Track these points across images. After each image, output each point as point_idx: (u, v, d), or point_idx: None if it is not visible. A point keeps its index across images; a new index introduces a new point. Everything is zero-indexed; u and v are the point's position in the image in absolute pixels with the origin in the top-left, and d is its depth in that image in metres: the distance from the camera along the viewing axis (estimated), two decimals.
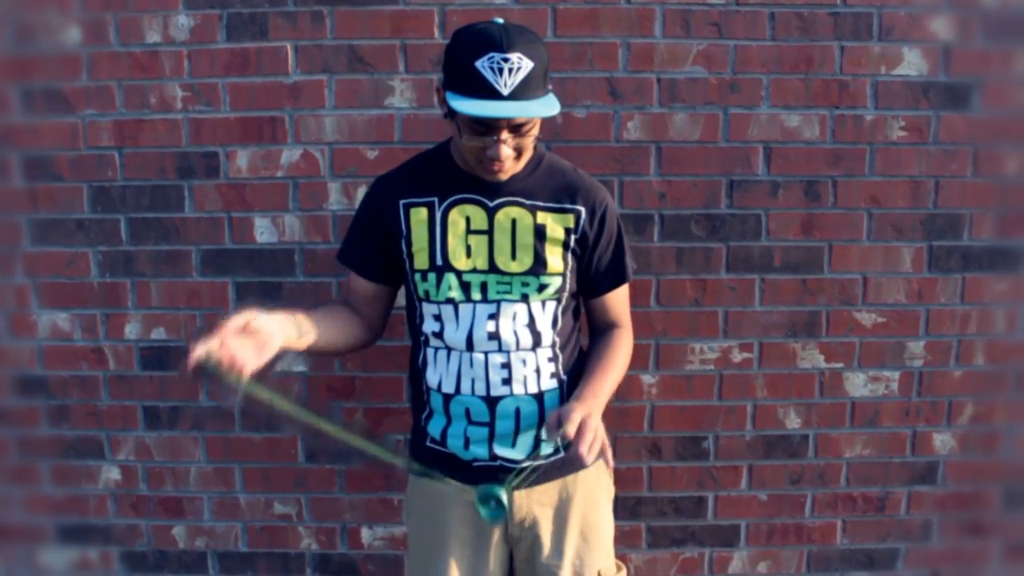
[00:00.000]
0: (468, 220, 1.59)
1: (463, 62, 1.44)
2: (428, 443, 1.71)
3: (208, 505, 2.28)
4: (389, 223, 1.62)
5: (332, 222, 2.13)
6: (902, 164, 2.11)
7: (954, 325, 2.19)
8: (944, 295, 2.18)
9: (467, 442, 1.64)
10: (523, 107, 1.43)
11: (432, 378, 1.66)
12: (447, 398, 1.64)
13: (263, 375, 1.43)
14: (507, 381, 1.61)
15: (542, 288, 1.61)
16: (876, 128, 2.10)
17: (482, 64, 1.42)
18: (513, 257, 1.59)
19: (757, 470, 2.25)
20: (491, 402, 1.61)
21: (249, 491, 2.27)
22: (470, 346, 1.60)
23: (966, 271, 2.17)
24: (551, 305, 1.63)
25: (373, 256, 1.67)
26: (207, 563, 2.31)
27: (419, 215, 1.61)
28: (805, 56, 2.06)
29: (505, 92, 1.42)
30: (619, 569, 1.77)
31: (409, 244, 1.61)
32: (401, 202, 1.62)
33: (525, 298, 1.61)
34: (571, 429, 1.44)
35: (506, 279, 1.60)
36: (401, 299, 1.75)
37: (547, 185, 1.62)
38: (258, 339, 1.47)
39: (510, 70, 1.42)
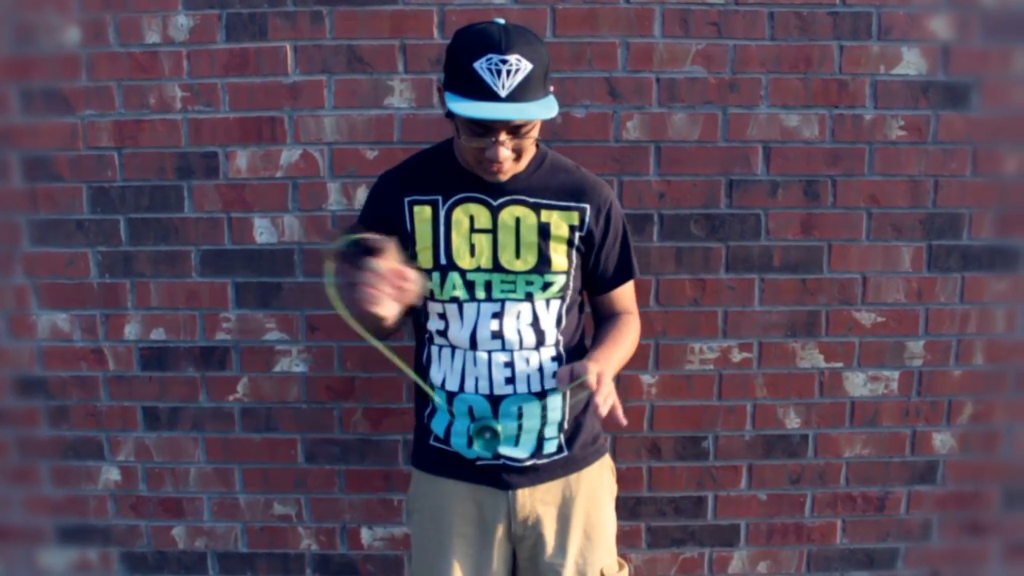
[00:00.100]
0: (472, 219, 1.60)
1: (462, 63, 1.44)
2: (431, 441, 1.71)
3: (208, 506, 2.28)
4: (395, 220, 1.63)
5: (331, 222, 2.13)
6: (901, 163, 2.11)
7: (953, 324, 2.19)
8: (943, 294, 2.18)
9: (470, 441, 1.65)
10: (520, 109, 1.44)
11: (436, 376, 1.66)
12: (450, 396, 1.64)
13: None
14: (510, 380, 1.61)
15: (546, 286, 1.62)
16: (875, 127, 2.10)
17: (480, 65, 1.42)
18: (517, 256, 1.60)
19: (757, 470, 2.25)
20: (494, 400, 1.62)
21: (249, 492, 2.27)
22: (474, 344, 1.61)
23: (965, 270, 2.17)
24: (555, 304, 1.64)
25: None
26: (207, 564, 2.31)
27: (423, 213, 1.61)
28: (804, 56, 2.06)
29: (503, 94, 1.42)
30: (621, 567, 1.78)
31: (413, 243, 1.62)
32: (406, 199, 1.62)
33: (529, 297, 1.61)
34: (592, 378, 1.44)
35: (510, 278, 1.60)
36: None
37: (551, 183, 1.63)
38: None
39: (508, 72, 1.42)
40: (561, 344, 1.66)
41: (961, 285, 2.17)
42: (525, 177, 1.61)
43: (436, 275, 1.61)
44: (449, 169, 1.62)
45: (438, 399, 1.65)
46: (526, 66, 1.43)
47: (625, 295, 1.77)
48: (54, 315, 2.19)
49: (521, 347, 1.61)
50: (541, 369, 1.63)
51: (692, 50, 2.06)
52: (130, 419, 2.23)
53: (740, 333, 2.18)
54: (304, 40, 2.05)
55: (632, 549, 2.26)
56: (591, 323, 1.79)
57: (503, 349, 1.61)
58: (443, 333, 1.64)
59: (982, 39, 2.07)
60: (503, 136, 1.48)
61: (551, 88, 1.52)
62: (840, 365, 2.20)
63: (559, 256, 1.62)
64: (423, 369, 1.70)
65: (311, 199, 2.12)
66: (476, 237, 1.60)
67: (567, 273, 1.63)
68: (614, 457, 1.87)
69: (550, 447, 1.68)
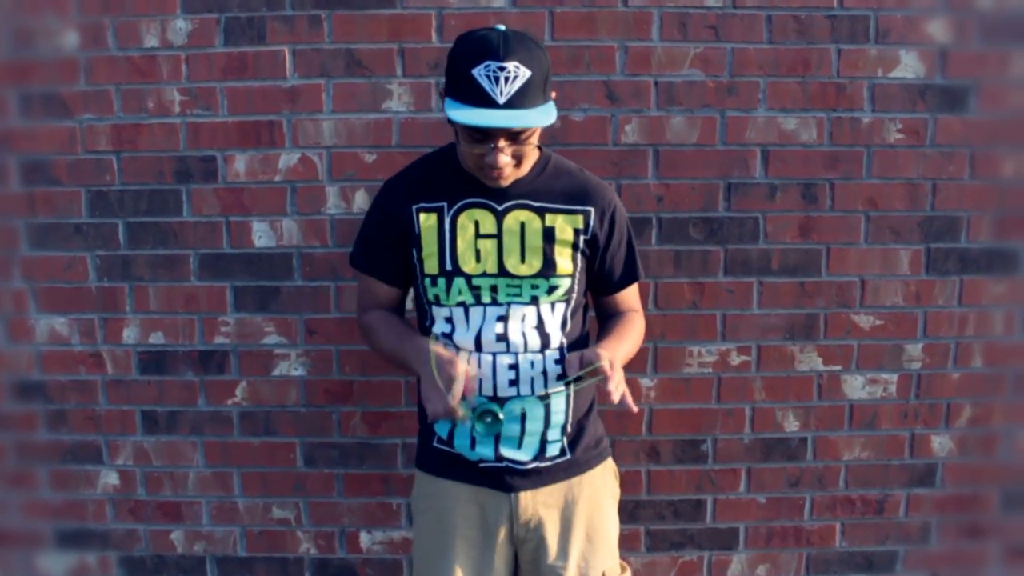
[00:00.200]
0: (477, 224, 1.60)
1: (461, 70, 1.45)
2: (435, 443, 1.72)
3: (207, 510, 2.27)
4: (403, 227, 1.64)
5: (330, 226, 2.13)
6: (899, 166, 2.12)
7: (952, 327, 2.19)
8: (942, 297, 2.18)
9: (473, 442, 1.65)
10: (517, 116, 1.44)
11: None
12: None
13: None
14: (514, 382, 1.62)
15: (552, 290, 1.62)
16: (873, 130, 2.10)
17: (479, 72, 1.43)
18: (523, 260, 1.60)
19: (756, 473, 2.25)
20: (498, 403, 1.62)
21: (248, 495, 2.26)
22: (478, 347, 1.61)
23: (964, 273, 2.17)
24: (560, 307, 1.64)
25: (392, 262, 1.68)
26: (206, 568, 2.31)
27: (429, 220, 1.62)
28: (802, 59, 2.07)
29: (501, 101, 1.42)
30: (624, 571, 1.78)
31: (419, 249, 1.63)
32: (413, 207, 1.63)
33: (535, 300, 1.62)
34: (604, 364, 1.45)
35: (516, 282, 1.61)
36: (409, 301, 1.77)
37: (555, 187, 1.63)
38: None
39: (506, 79, 1.43)
40: (565, 348, 1.66)
41: (959, 288, 2.17)
42: (529, 181, 1.62)
43: (442, 281, 1.62)
44: (453, 175, 1.63)
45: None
46: (525, 73, 1.44)
47: (631, 295, 1.78)
48: (53, 319, 2.19)
49: (526, 350, 1.62)
50: (545, 372, 1.63)
51: (690, 53, 2.06)
52: (129, 423, 2.23)
53: (739, 336, 2.18)
54: (302, 44, 2.05)
55: (631, 552, 2.26)
56: (595, 326, 1.79)
57: (508, 352, 1.61)
58: (448, 336, 1.64)
59: (979, 42, 2.07)
60: (502, 142, 1.48)
61: (552, 94, 1.53)
62: (839, 368, 2.20)
63: (564, 260, 1.62)
64: None
65: (310, 203, 2.12)
66: (481, 242, 1.60)
67: (572, 276, 1.64)
68: (613, 460, 1.87)
69: (553, 450, 1.68)
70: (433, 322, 1.67)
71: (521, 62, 1.44)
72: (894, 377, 2.21)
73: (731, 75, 2.07)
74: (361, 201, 2.11)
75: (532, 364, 1.62)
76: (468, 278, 1.61)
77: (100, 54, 2.06)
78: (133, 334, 2.19)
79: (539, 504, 1.69)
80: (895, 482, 2.27)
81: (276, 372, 2.20)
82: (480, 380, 1.61)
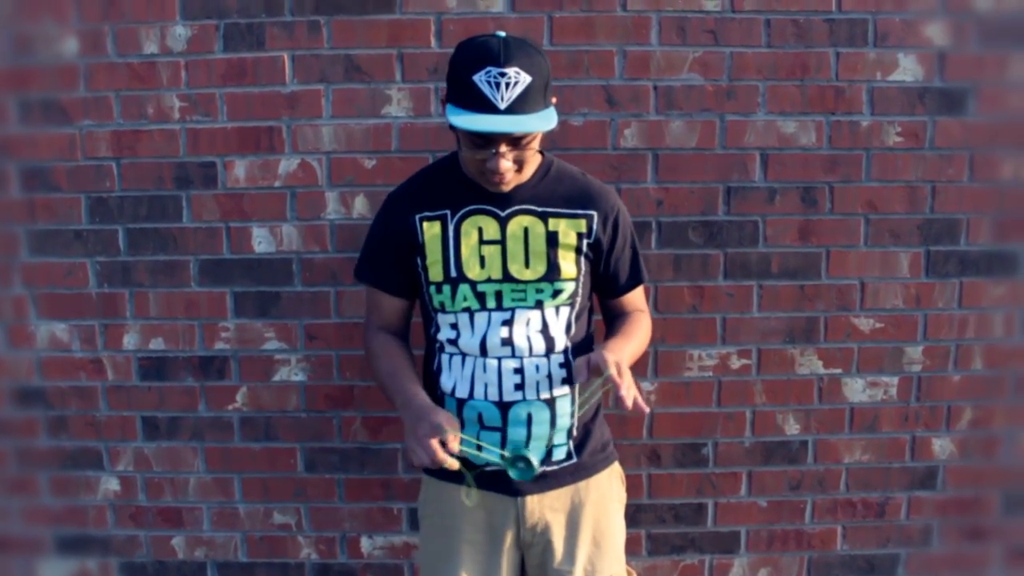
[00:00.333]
0: (480, 231, 1.61)
1: (462, 76, 1.46)
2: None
3: (207, 515, 2.27)
4: (407, 238, 1.64)
5: (330, 231, 2.13)
6: (899, 169, 2.12)
7: (952, 330, 2.19)
8: (942, 300, 2.18)
9: (479, 447, 1.65)
10: (518, 122, 1.45)
11: (446, 383, 1.67)
12: (460, 403, 1.65)
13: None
14: (520, 386, 1.62)
15: (556, 294, 1.63)
16: (872, 134, 2.10)
17: (479, 78, 1.44)
18: (527, 265, 1.61)
19: (757, 476, 2.25)
20: (503, 407, 1.62)
21: (248, 501, 2.26)
22: (484, 351, 1.62)
23: (963, 276, 2.17)
24: (565, 311, 1.65)
25: (398, 273, 1.69)
26: (207, 573, 2.30)
27: (432, 229, 1.63)
28: (801, 62, 2.07)
29: (502, 106, 1.43)
30: (630, 575, 1.78)
31: (424, 258, 1.63)
32: (416, 216, 1.63)
33: (539, 304, 1.63)
34: (612, 369, 1.45)
35: (520, 287, 1.62)
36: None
37: (558, 191, 1.64)
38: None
39: (507, 84, 1.43)
40: (570, 351, 1.66)
41: (959, 290, 2.17)
42: (532, 186, 1.63)
43: (447, 288, 1.62)
44: (456, 183, 1.64)
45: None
46: (525, 78, 1.44)
47: (637, 298, 1.79)
48: (53, 325, 2.19)
49: (531, 354, 1.62)
50: (550, 376, 1.64)
51: (689, 58, 2.06)
52: (129, 429, 2.23)
53: (739, 340, 2.18)
54: (302, 50, 2.06)
55: (632, 556, 2.26)
56: (602, 329, 1.80)
57: (513, 356, 1.62)
58: (454, 342, 1.65)
59: (978, 45, 2.07)
60: (503, 148, 1.49)
61: (552, 99, 1.53)
62: (839, 371, 2.20)
63: (568, 264, 1.63)
64: (433, 376, 1.70)
65: (309, 208, 2.12)
66: (485, 248, 1.61)
67: (576, 280, 1.65)
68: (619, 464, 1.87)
69: (559, 454, 1.68)
70: (438, 329, 1.67)
71: (522, 68, 1.45)
72: (895, 380, 2.21)
73: (730, 79, 2.07)
74: (361, 206, 2.11)
75: (537, 368, 1.62)
76: (473, 284, 1.61)
77: (100, 60, 2.06)
78: (133, 340, 2.19)
79: (546, 508, 1.69)
80: (896, 485, 2.27)
81: (276, 377, 2.20)
82: (486, 384, 1.62)
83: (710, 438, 2.23)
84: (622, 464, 1.83)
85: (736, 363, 2.19)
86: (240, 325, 2.17)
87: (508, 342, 1.61)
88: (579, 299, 1.67)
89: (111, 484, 2.26)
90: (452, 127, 1.52)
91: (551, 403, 1.64)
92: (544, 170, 1.66)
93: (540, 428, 1.64)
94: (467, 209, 1.62)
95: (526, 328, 1.62)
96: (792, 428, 2.23)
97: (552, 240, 1.62)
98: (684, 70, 2.06)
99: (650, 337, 1.79)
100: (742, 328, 2.18)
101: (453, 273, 1.61)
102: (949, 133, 2.10)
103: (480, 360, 1.62)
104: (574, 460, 1.70)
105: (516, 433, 1.63)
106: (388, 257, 1.68)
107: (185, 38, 2.05)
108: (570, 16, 2.04)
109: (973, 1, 2.05)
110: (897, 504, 2.28)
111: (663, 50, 2.06)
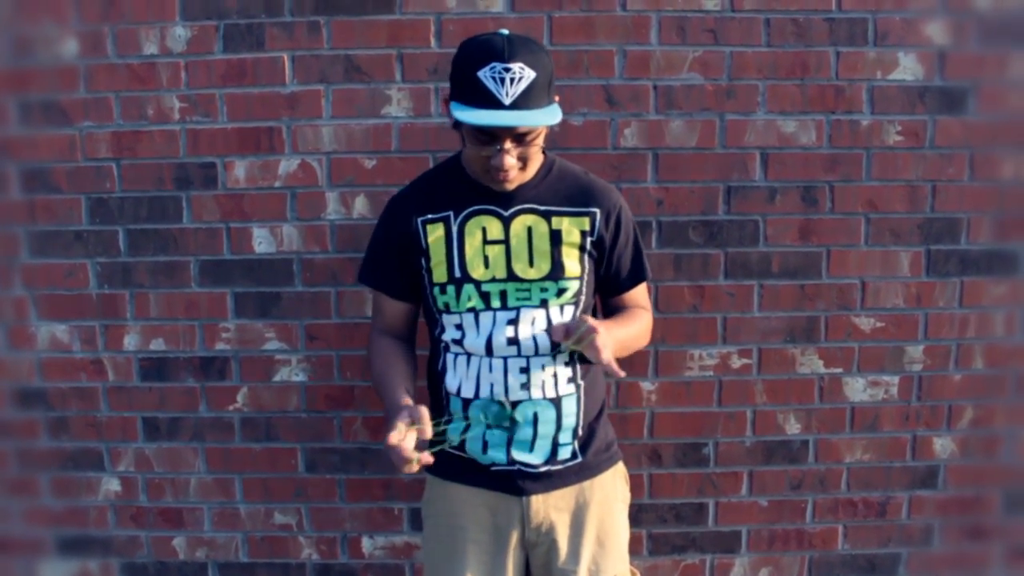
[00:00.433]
0: (484, 231, 1.61)
1: (466, 72, 1.46)
2: (446, 447, 1.71)
3: (208, 516, 2.27)
4: (410, 241, 1.65)
5: (330, 232, 2.13)
6: (899, 169, 2.12)
7: (953, 329, 2.19)
8: (943, 299, 2.18)
9: (485, 446, 1.66)
10: (524, 116, 1.45)
11: (451, 383, 1.67)
12: (466, 403, 1.65)
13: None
14: (525, 386, 1.62)
15: (560, 292, 1.63)
16: (872, 133, 2.10)
17: (484, 74, 1.44)
18: (531, 264, 1.61)
19: (757, 476, 2.25)
20: (510, 406, 1.62)
21: (249, 501, 2.26)
22: (489, 351, 1.62)
23: (964, 275, 2.17)
24: (569, 309, 1.65)
25: (401, 277, 1.69)
26: (208, 574, 2.30)
27: (436, 231, 1.63)
28: (801, 62, 2.07)
29: (507, 102, 1.44)
30: (633, 575, 1.78)
31: (428, 259, 1.63)
32: (419, 219, 1.64)
33: (544, 303, 1.63)
34: (585, 325, 1.47)
35: (525, 286, 1.62)
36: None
37: (560, 189, 1.64)
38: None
39: (512, 80, 1.44)
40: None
41: (960, 289, 2.17)
42: (534, 185, 1.63)
43: (451, 288, 1.62)
44: (459, 184, 1.64)
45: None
46: (529, 74, 1.45)
47: (639, 295, 1.78)
48: (53, 326, 2.19)
49: (536, 353, 1.62)
50: (555, 375, 1.64)
51: (689, 57, 2.06)
52: (130, 430, 2.23)
53: (739, 339, 2.18)
54: (301, 50, 2.06)
55: (634, 556, 2.25)
56: None
57: (519, 355, 1.62)
58: (459, 342, 1.65)
59: (978, 44, 2.07)
60: (508, 144, 1.50)
61: (555, 96, 1.54)
62: (840, 370, 2.20)
63: (572, 262, 1.63)
64: (437, 376, 1.71)
65: (309, 208, 2.12)
66: (489, 248, 1.61)
67: (580, 279, 1.65)
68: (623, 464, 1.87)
69: (564, 453, 1.68)
70: (443, 329, 1.67)
71: (526, 64, 1.45)
72: (895, 379, 2.21)
73: (730, 78, 2.07)
74: (361, 207, 2.11)
75: (543, 366, 1.63)
76: (477, 284, 1.61)
77: (99, 62, 2.06)
78: (134, 341, 2.19)
79: (550, 508, 1.69)
80: (897, 484, 2.27)
81: (277, 378, 2.20)
82: (491, 384, 1.62)
83: (711, 438, 2.23)
84: (623, 464, 1.83)
85: (737, 363, 2.19)
86: (240, 325, 2.17)
87: (514, 341, 1.61)
88: (583, 297, 1.67)
89: (112, 485, 2.26)
90: (456, 125, 1.52)
91: (557, 402, 1.64)
92: (546, 169, 1.66)
93: (546, 427, 1.64)
94: (470, 209, 1.62)
95: (531, 327, 1.62)
96: (793, 428, 2.23)
97: (556, 239, 1.62)
98: (684, 70, 2.06)
99: (650, 335, 1.79)
100: (743, 328, 2.17)
101: (457, 273, 1.62)
102: (949, 132, 2.10)
103: (486, 360, 1.62)
104: (579, 460, 1.70)
105: (522, 432, 1.63)
106: (391, 260, 1.68)
107: (185, 39, 2.05)
108: (570, 16, 2.04)
109: (973, 0, 2.05)
110: (898, 503, 2.28)
111: (663, 50, 2.06)
